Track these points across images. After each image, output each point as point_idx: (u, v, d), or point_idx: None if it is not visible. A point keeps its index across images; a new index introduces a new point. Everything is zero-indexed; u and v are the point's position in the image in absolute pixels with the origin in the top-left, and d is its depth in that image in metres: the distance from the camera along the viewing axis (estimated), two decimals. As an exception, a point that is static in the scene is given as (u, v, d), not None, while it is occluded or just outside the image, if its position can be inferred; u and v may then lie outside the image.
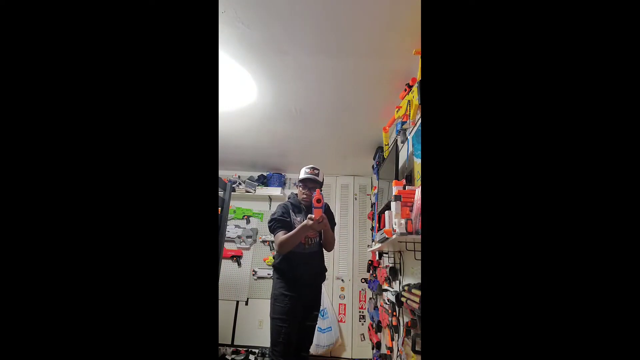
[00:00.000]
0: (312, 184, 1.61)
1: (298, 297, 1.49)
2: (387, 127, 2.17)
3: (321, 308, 1.66)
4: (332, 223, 1.66)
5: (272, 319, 1.49)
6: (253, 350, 2.88)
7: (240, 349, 2.89)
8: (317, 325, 1.59)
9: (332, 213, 1.70)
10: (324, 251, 1.68)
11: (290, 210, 1.62)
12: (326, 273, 1.67)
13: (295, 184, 1.68)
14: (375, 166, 2.72)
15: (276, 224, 1.55)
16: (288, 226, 1.55)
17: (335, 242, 3.37)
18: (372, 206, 3.04)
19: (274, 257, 1.59)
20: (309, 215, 1.42)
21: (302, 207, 1.63)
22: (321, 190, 1.52)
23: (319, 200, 1.40)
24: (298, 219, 1.59)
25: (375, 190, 2.70)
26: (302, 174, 1.62)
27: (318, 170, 1.63)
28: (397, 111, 1.85)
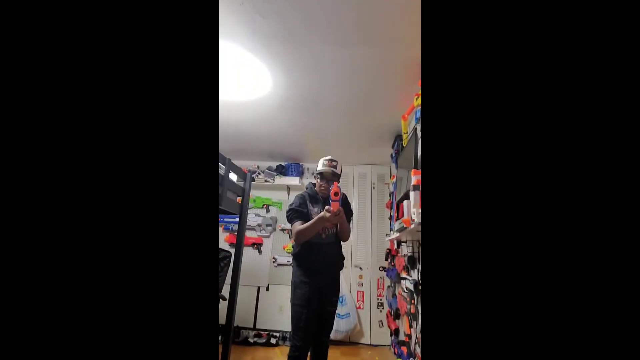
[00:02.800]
0: (330, 176, 1.62)
1: (316, 284, 1.54)
2: (406, 115, 2.14)
3: (340, 295, 1.66)
4: (349, 214, 1.67)
5: (292, 305, 1.54)
6: (274, 334, 2.99)
7: (262, 332, 3.00)
8: (336, 312, 1.63)
9: (349, 203, 1.71)
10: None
11: (308, 201, 1.65)
12: (344, 261, 1.70)
13: (313, 174, 1.70)
14: (394, 155, 2.70)
15: (293, 214, 1.59)
16: (305, 217, 1.58)
17: (354, 230, 3.35)
18: (390, 195, 3.03)
19: (293, 246, 1.63)
20: (327, 207, 1.44)
21: (319, 198, 1.65)
22: (339, 182, 1.54)
23: (336, 194, 1.42)
24: (315, 209, 1.62)
25: (394, 179, 2.68)
26: (320, 166, 1.64)
27: (336, 162, 1.64)
28: (417, 99, 1.82)
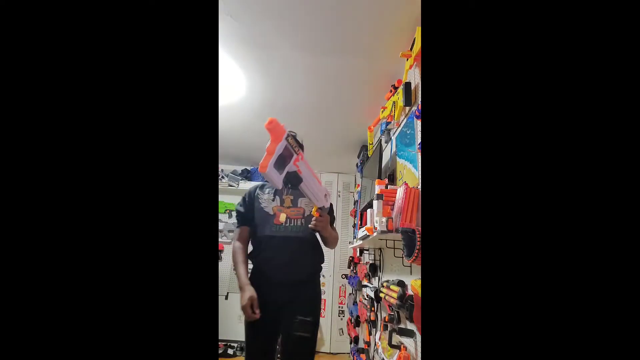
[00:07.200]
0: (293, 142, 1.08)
1: (267, 297, 1.07)
2: (372, 127, 2.21)
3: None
4: (332, 218, 1.28)
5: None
6: (232, 344, 2.88)
7: (219, 342, 2.88)
8: (311, 339, 1.13)
9: (333, 208, 1.28)
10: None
11: (258, 189, 1.25)
12: (318, 265, 1.24)
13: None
14: (359, 164, 2.76)
15: (237, 217, 1.25)
16: (248, 220, 1.21)
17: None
18: (354, 203, 3.09)
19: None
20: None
21: None
22: (303, 152, 0.93)
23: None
24: (265, 196, 1.22)
25: (359, 188, 2.74)
26: None
27: (295, 132, 1.22)
28: (382, 111, 1.88)
